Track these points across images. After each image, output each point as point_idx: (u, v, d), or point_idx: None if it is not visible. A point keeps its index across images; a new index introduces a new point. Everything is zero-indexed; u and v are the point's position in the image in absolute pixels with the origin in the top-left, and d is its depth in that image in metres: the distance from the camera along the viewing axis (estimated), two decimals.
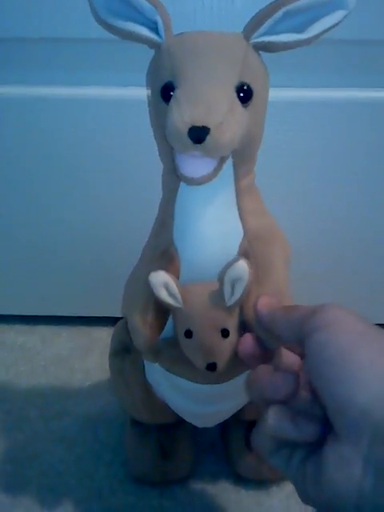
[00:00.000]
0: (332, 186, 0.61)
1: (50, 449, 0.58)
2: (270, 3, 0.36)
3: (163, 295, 0.39)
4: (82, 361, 0.70)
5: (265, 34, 0.37)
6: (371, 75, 0.55)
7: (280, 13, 0.36)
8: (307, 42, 0.37)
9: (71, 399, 0.64)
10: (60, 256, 0.69)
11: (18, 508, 0.52)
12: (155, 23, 0.37)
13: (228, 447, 0.54)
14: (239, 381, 0.44)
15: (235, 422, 0.53)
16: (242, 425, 0.53)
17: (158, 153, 0.41)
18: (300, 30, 0.37)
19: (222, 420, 0.51)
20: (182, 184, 0.40)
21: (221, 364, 0.39)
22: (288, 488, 0.53)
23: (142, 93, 0.51)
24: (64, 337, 0.73)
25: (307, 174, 0.60)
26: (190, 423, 0.53)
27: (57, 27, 0.53)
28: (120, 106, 0.57)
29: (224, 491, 0.53)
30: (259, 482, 0.53)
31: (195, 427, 0.54)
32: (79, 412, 0.62)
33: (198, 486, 0.54)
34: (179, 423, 0.53)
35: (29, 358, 0.70)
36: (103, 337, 0.71)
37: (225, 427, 0.55)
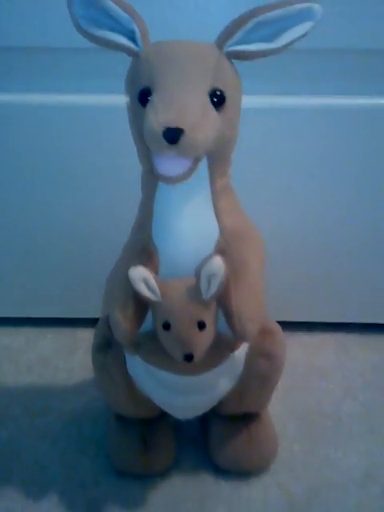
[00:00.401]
0: (329, 189, 0.64)
1: (34, 444, 0.59)
2: (242, 14, 0.39)
3: (142, 289, 0.41)
4: (66, 360, 0.71)
5: (237, 43, 0.39)
6: (370, 83, 0.58)
7: (250, 23, 0.38)
8: (277, 51, 0.40)
9: (55, 397, 0.65)
10: (45, 259, 0.71)
11: (3, 500, 0.54)
12: (133, 32, 0.40)
13: (208, 441, 0.56)
14: (215, 373, 0.46)
15: (214, 416, 0.55)
16: (220, 419, 0.55)
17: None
18: (270, 40, 0.39)
19: (201, 412, 0.52)
20: (160, 184, 0.42)
21: (197, 355, 0.41)
22: (266, 479, 0.55)
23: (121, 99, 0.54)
24: (48, 338, 0.75)
25: (306, 177, 0.63)
26: (172, 418, 0.55)
27: (55, 36, 0.55)
28: (106, 113, 0.59)
29: (204, 483, 0.55)
30: (238, 474, 0.55)
31: (176, 422, 0.56)
32: (63, 409, 0.63)
33: (179, 478, 0.55)
34: (161, 418, 0.55)
35: (14, 359, 0.71)
36: (87, 337, 0.72)
37: (204, 422, 0.57)
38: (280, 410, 0.62)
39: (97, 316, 0.53)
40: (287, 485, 0.54)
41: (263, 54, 0.40)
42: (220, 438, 0.55)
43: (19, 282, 0.73)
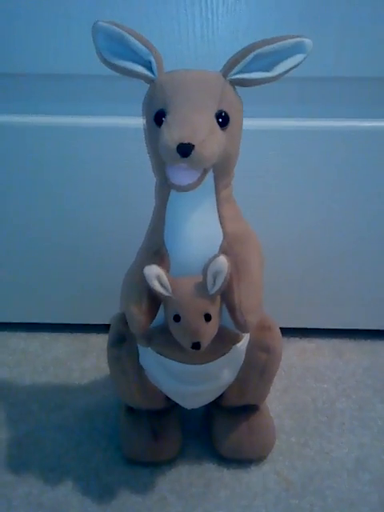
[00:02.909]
0: (323, 202, 0.69)
1: (51, 436, 0.64)
2: (243, 48, 0.45)
3: (156, 286, 0.46)
4: (79, 362, 0.76)
5: (239, 72, 0.45)
6: (363, 107, 0.64)
7: (251, 56, 0.44)
8: (274, 79, 0.46)
9: (69, 394, 0.70)
10: (59, 268, 0.76)
11: (23, 486, 0.58)
12: (150, 62, 0.46)
13: (211, 432, 0.61)
14: (219, 363, 0.51)
15: (217, 409, 0.60)
16: (223, 412, 0.60)
17: (146, 173, 0.49)
18: (268, 70, 0.45)
19: (206, 401, 0.57)
20: (172, 194, 0.48)
21: (204, 343, 0.46)
22: (265, 467, 0.60)
23: (130, 121, 0.61)
24: (62, 342, 0.80)
25: (303, 192, 0.69)
26: (178, 410, 0.60)
27: (57, 63, 0.62)
28: (114, 133, 0.65)
29: (208, 470, 0.60)
30: (239, 462, 0.60)
31: (183, 414, 0.60)
32: (77, 405, 0.68)
33: (184, 465, 0.60)
34: (169, 410, 0.60)
35: (30, 360, 0.76)
36: (99, 342, 0.78)
37: (208, 415, 0.62)
38: (278, 407, 0.67)
39: (108, 322, 0.58)
40: (284, 472, 0.59)
41: (261, 81, 0.46)
42: (222, 429, 0.60)
43: (34, 290, 0.78)
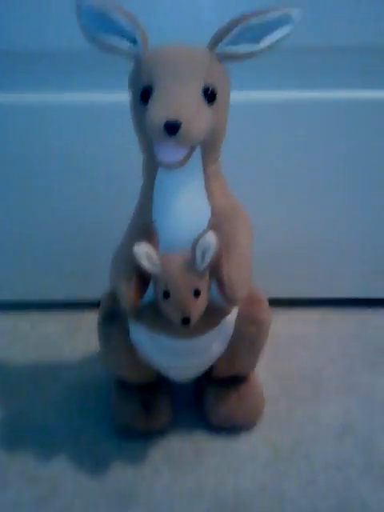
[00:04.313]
0: (312, 173, 0.70)
1: (43, 412, 0.65)
2: (230, 20, 0.45)
3: (145, 264, 0.47)
4: (69, 340, 0.77)
5: (226, 45, 0.45)
6: (363, 77, 0.64)
7: (237, 29, 0.44)
8: (262, 52, 0.46)
9: (61, 370, 0.71)
10: (48, 247, 0.77)
11: (18, 463, 0.59)
12: (134, 38, 0.45)
13: (202, 401, 0.62)
14: (209, 337, 0.52)
15: (207, 379, 0.61)
16: (213, 382, 0.61)
17: (132, 149, 0.49)
18: (256, 42, 0.45)
19: (196, 374, 0.59)
20: (159, 170, 0.48)
21: (193, 319, 0.47)
22: (255, 434, 0.62)
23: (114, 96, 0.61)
24: (53, 320, 0.81)
25: (293, 163, 0.69)
26: (169, 383, 0.61)
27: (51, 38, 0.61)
28: (98, 109, 0.65)
29: (199, 439, 0.61)
30: (229, 431, 0.61)
31: (173, 387, 0.62)
32: (68, 381, 0.69)
33: (176, 435, 0.62)
34: (159, 382, 0.61)
35: (21, 339, 0.77)
36: (90, 319, 0.77)
37: (198, 385, 0.63)
38: (266, 375, 0.68)
39: (98, 299, 0.58)
40: (272, 438, 0.61)
41: (249, 55, 0.46)
42: (213, 399, 0.61)
43: (24, 268, 0.79)
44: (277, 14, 0.44)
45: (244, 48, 0.45)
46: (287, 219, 0.73)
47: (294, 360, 0.72)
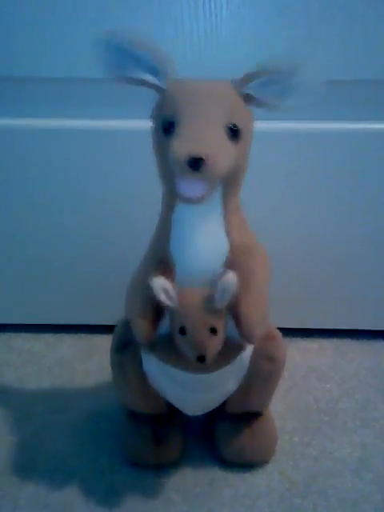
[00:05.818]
0: (327, 204, 0.70)
1: (56, 437, 0.65)
2: (259, 66, 0.44)
3: (162, 298, 0.46)
4: (83, 363, 0.77)
5: (251, 89, 0.45)
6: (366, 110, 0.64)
7: (264, 77, 0.44)
8: (281, 109, 0.45)
9: (74, 396, 0.71)
10: (64, 270, 0.77)
11: (29, 486, 0.59)
12: (159, 71, 0.45)
13: (214, 436, 0.61)
14: (223, 373, 0.52)
15: (220, 414, 0.60)
16: (226, 417, 0.60)
17: (148, 176, 0.49)
18: (280, 95, 0.45)
19: (209, 409, 0.58)
20: (179, 202, 0.48)
21: (209, 356, 0.47)
22: (269, 467, 0.61)
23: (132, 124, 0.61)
24: (67, 343, 0.81)
25: (307, 194, 0.69)
26: (180, 415, 0.60)
27: (64, 67, 0.62)
28: (114, 136, 0.65)
29: (212, 470, 0.60)
30: (242, 466, 0.61)
31: (184, 418, 0.61)
32: (82, 406, 0.69)
33: (188, 467, 0.61)
34: (170, 414, 0.60)
35: (35, 361, 0.77)
36: (103, 343, 0.78)
37: (211, 419, 0.62)
38: (281, 407, 0.68)
39: (112, 323, 0.58)
40: (288, 472, 0.60)
41: (269, 107, 0.46)
42: (225, 434, 0.60)
43: (39, 291, 0.79)
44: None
45: (264, 98, 0.45)
46: (304, 249, 0.73)
47: (309, 392, 0.71)
